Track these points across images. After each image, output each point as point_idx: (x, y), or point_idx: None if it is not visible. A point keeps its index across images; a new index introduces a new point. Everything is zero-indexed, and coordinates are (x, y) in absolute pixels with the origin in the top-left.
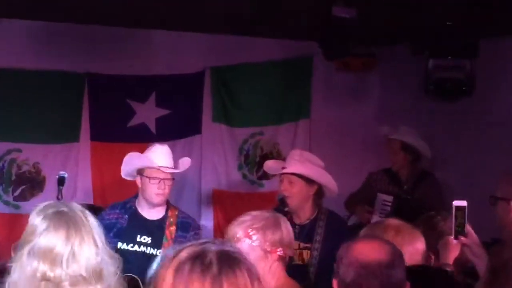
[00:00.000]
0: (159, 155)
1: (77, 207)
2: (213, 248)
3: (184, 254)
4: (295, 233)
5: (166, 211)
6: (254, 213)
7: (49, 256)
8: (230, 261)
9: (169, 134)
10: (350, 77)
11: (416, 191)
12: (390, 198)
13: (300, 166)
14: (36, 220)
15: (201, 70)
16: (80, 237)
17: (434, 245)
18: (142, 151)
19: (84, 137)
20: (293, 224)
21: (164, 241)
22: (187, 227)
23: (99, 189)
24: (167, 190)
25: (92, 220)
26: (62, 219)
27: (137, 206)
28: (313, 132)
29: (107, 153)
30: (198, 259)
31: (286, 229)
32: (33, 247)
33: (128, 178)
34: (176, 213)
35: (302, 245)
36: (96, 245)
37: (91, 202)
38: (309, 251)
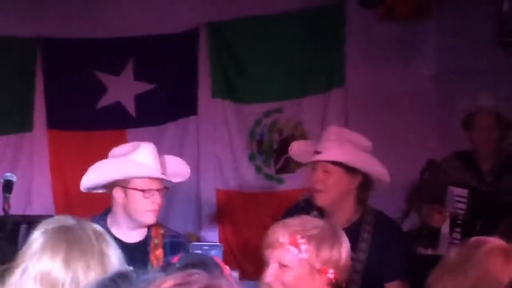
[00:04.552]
0: (149, 158)
1: (90, 225)
2: (198, 280)
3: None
4: None
5: (148, 230)
6: (304, 216)
7: (45, 281)
8: None
9: (154, 117)
10: (397, 28)
11: (500, 183)
12: (464, 192)
13: (339, 150)
14: (33, 236)
15: (194, 27)
16: (85, 263)
17: None
18: (118, 141)
19: (38, 124)
20: None
21: (150, 269)
22: (180, 249)
23: (62, 195)
24: (160, 205)
25: (107, 245)
26: (62, 237)
27: (109, 226)
28: (350, 106)
29: (71, 146)
30: None
31: (346, 249)
32: (25, 269)
33: (90, 191)
34: (162, 231)
35: None
36: None
37: (53, 214)
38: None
